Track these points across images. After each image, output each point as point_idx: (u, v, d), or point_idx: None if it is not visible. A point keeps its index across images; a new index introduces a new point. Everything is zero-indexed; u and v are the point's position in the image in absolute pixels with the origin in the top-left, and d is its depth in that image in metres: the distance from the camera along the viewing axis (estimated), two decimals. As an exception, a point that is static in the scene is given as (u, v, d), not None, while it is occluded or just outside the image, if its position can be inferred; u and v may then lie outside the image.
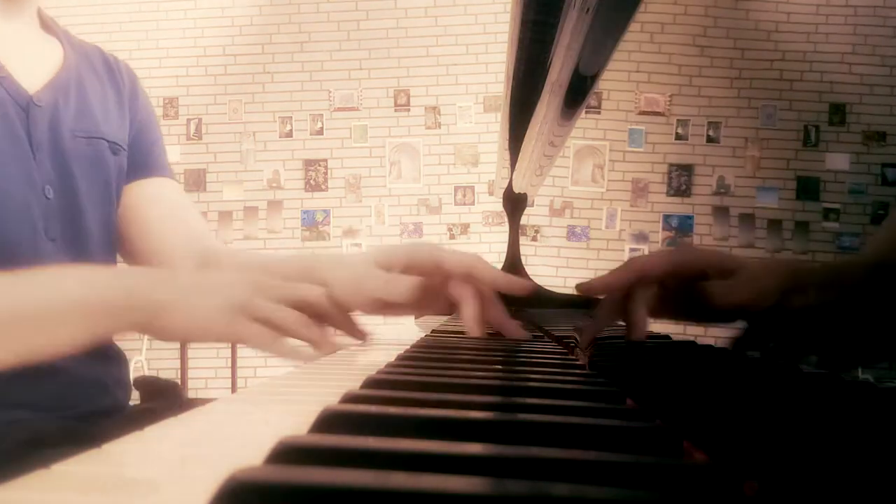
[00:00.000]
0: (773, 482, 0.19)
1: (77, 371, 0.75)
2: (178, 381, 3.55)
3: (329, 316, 0.63)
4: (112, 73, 0.87)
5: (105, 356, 0.82)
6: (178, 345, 3.51)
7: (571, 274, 3.50)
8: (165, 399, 0.91)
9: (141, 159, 0.88)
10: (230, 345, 3.76)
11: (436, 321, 1.02)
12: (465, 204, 3.84)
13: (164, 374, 3.84)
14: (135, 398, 0.90)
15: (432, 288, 0.65)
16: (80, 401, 0.75)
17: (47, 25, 0.83)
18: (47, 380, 0.72)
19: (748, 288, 0.60)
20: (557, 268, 3.57)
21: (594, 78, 0.71)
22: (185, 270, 0.62)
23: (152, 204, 0.88)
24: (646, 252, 3.44)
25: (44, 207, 0.74)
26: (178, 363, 3.60)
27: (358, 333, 0.66)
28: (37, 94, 0.76)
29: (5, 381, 0.68)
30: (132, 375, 0.89)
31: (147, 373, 3.63)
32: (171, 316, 0.57)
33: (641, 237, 3.60)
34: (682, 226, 3.55)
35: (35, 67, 0.77)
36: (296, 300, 0.61)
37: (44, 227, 0.74)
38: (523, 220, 1.29)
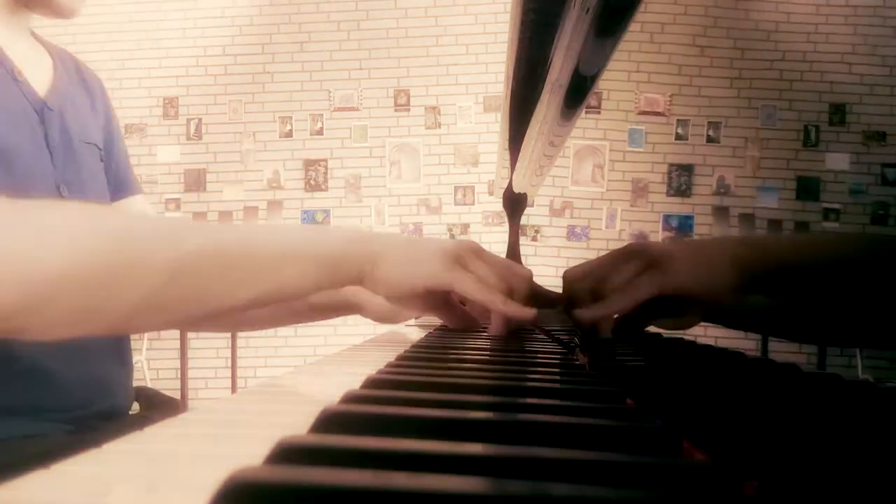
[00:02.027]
0: (773, 482, 0.19)
1: (86, 371, 0.76)
2: (178, 393, 3.55)
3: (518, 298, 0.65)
4: (84, 80, 0.90)
5: (120, 358, 0.84)
6: (178, 345, 3.51)
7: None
8: (164, 412, 0.92)
9: (118, 179, 0.92)
10: (230, 345, 3.77)
11: (436, 321, 1.02)
12: (465, 204, 3.84)
13: (164, 374, 3.84)
14: (133, 409, 0.91)
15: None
16: (85, 402, 0.76)
17: (36, 37, 0.86)
18: (55, 379, 0.73)
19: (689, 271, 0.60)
20: (557, 268, 3.57)
21: (594, 78, 0.70)
22: (400, 235, 0.64)
23: None
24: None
25: None
26: (178, 363, 3.60)
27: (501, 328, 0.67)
28: (47, 98, 0.79)
29: (14, 384, 0.68)
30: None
31: (147, 373, 3.63)
32: (388, 265, 0.60)
33: (641, 237, 3.60)
34: (682, 226, 3.55)
35: (37, 75, 0.80)
36: (503, 269, 0.64)
37: None
38: (523, 220, 1.29)
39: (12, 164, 0.71)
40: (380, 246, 0.60)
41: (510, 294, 0.64)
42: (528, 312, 0.63)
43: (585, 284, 0.68)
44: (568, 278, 0.71)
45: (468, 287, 0.60)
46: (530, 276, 0.68)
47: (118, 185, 0.92)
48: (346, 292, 0.85)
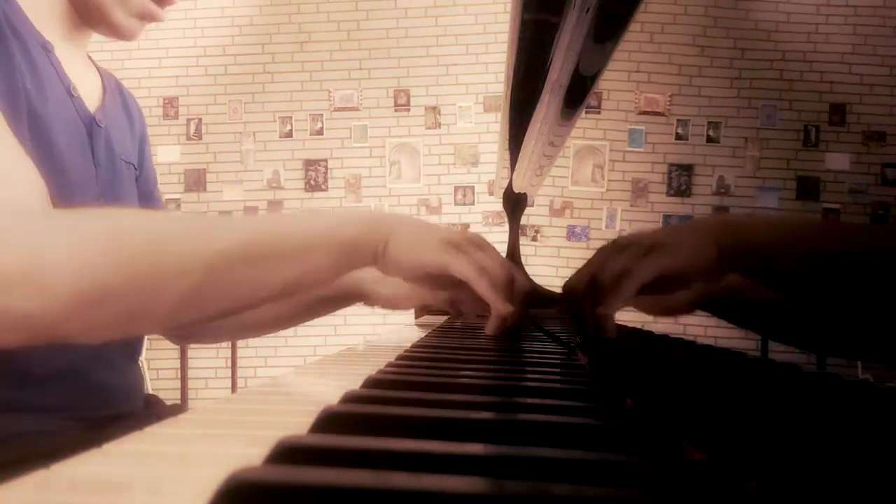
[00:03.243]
0: (773, 482, 0.19)
1: (103, 375, 0.78)
2: (178, 392, 3.55)
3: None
4: (126, 104, 0.93)
5: (133, 362, 0.85)
6: (177, 345, 3.51)
7: (571, 274, 3.48)
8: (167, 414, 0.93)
9: (146, 204, 0.94)
10: (230, 345, 3.77)
11: (436, 321, 1.02)
12: (465, 204, 3.84)
13: (164, 375, 3.85)
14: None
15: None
16: (101, 403, 0.77)
17: (88, 56, 0.89)
18: (73, 382, 0.74)
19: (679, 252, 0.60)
20: (557, 268, 3.56)
21: (594, 78, 0.70)
22: (408, 217, 0.67)
23: None
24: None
25: None
26: (178, 363, 3.60)
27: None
28: (96, 115, 0.81)
29: (34, 384, 0.69)
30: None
31: (147, 373, 3.63)
32: (396, 247, 0.62)
33: (641, 237, 3.59)
34: (682, 226, 3.55)
35: (89, 93, 0.83)
36: (505, 265, 0.66)
37: None
38: (523, 220, 1.29)
39: (65, 173, 0.72)
40: (390, 228, 0.63)
41: (506, 293, 0.65)
42: (517, 313, 0.65)
43: (583, 284, 0.68)
44: (567, 285, 0.71)
45: (464, 270, 0.62)
46: (529, 287, 0.69)
47: (143, 197, 0.94)
48: (351, 281, 0.86)
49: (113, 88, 0.89)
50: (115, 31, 0.81)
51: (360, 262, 0.63)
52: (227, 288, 0.56)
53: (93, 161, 0.79)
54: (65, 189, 0.72)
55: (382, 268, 0.64)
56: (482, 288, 0.62)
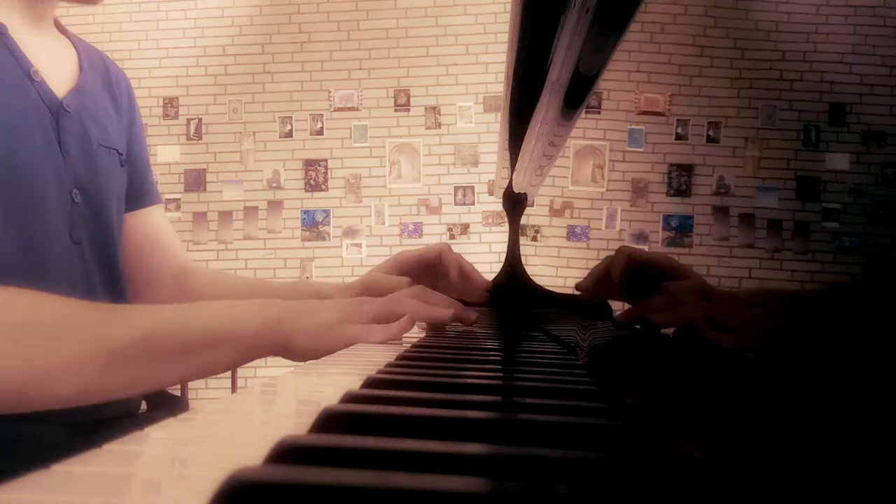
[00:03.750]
0: (773, 482, 0.19)
1: None
2: (178, 392, 3.54)
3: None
4: (110, 82, 0.88)
5: None
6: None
7: (571, 274, 3.49)
8: (169, 411, 0.92)
9: (140, 189, 0.93)
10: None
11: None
12: (465, 204, 3.84)
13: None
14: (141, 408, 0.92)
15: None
16: (92, 407, 0.77)
17: (62, 28, 0.84)
18: None
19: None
20: (557, 268, 3.56)
21: (594, 78, 0.70)
22: (301, 302, 0.70)
23: (148, 231, 0.94)
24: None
25: (70, 211, 0.75)
26: (178, 363, 3.59)
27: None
28: (65, 99, 0.77)
29: None
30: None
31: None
32: (297, 339, 0.63)
33: (641, 237, 3.59)
34: (682, 226, 3.55)
35: (58, 74, 0.78)
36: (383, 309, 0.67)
37: (69, 230, 0.75)
38: (523, 220, 1.28)
39: (17, 169, 0.70)
40: (289, 323, 0.63)
41: (438, 299, 0.70)
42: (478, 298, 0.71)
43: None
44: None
45: (361, 338, 0.63)
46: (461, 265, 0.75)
47: (137, 195, 0.91)
48: (319, 291, 0.87)
49: (94, 63, 0.85)
50: None
51: (260, 356, 0.63)
52: (122, 383, 0.57)
53: (60, 149, 0.75)
54: (21, 183, 0.69)
55: (294, 359, 0.64)
56: (419, 314, 0.65)
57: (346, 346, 0.63)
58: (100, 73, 0.86)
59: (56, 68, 0.78)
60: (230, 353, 0.61)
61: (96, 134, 0.80)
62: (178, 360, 0.59)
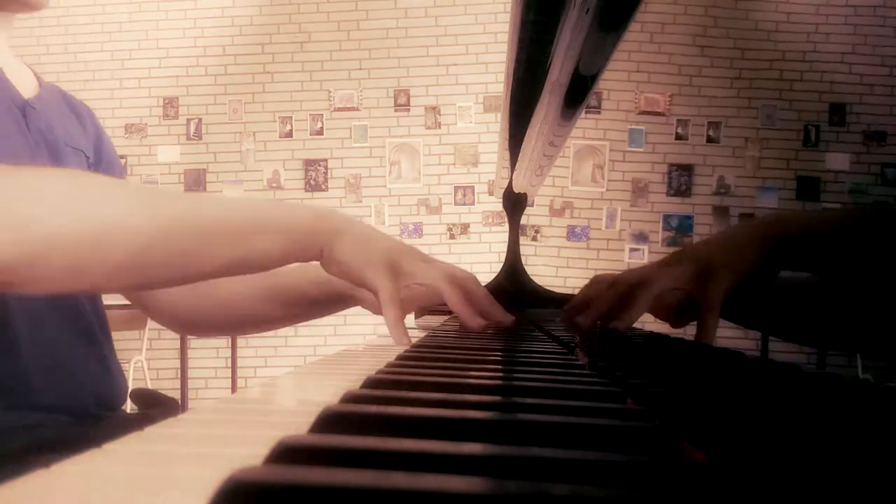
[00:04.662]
0: (772, 482, 0.19)
1: (79, 376, 0.76)
2: (178, 392, 3.55)
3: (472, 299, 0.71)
4: (73, 108, 0.89)
5: (106, 368, 0.82)
6: (178, 345, 3.51)
7: (571, 274, 3.50)
8: (164, 412, 0.91)
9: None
10: (230, 345, 3.77)
11: (436, 321, 1.02)
12: (465, 204, 3.84)
13: (163, 374, 3.84)
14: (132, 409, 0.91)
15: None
16: (91, 400, 0.77)
17: (18, 57, 0.86)
18: (58, 378, 0.73)
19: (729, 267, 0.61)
20: (557, 268, 3.57)
21: (594, 78, 0.71)
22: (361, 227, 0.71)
23: None
24: (645, 252, 3.44)
25: None
26: (178, 363, 3.60)
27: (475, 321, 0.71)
28: (30, 100, 0.78)
29: (16, 382, 0.69)
30: (130, 379, 0.89)
31: (147, 373, 3.63)
32: (341, 249, 0.63)
33: (641, 237, 3.60)
34: (681, 226, 3.55)
35: (20, 84, 0.80)
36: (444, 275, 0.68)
37: None
38: (523, 220, 1.29)
39: None
40: (340, 227, 0.64)
41: (468, 294, 0.69)
42: (478, 321, 0.69)
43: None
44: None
45: (383, 296, 0.63)
46: (473, 277, 0.73)
47: None
48: (343, 284, 0.86)
49: (53, 92, 0.86)
50: (22, 2, 0.77)
51: (307, 253, 0.64)
52: (172, 256, 0.56)
53: (29, 143, 0.76)
54: None
55: (325, 265, 0.65)
56: (456, 308, 0.66)
57: (369, 289, 0.65)
58: (60, 100, 0.87)
59: (17, 79, 0.79)
60: (277, 242, 0.60)
61: (62, 135, 0.81)
62: (227, 239, 0.58)
